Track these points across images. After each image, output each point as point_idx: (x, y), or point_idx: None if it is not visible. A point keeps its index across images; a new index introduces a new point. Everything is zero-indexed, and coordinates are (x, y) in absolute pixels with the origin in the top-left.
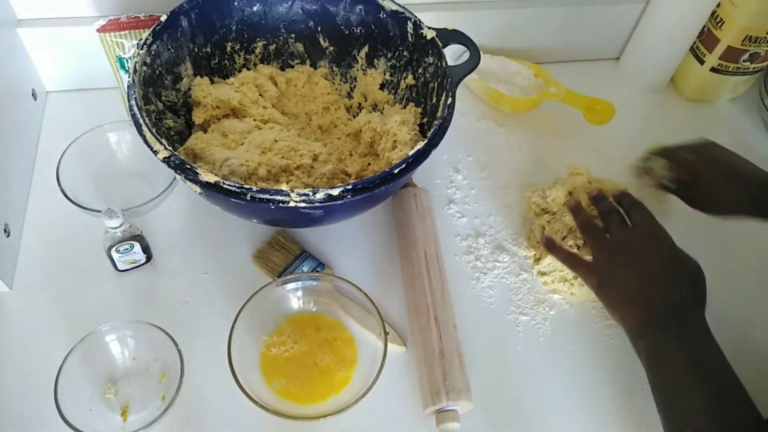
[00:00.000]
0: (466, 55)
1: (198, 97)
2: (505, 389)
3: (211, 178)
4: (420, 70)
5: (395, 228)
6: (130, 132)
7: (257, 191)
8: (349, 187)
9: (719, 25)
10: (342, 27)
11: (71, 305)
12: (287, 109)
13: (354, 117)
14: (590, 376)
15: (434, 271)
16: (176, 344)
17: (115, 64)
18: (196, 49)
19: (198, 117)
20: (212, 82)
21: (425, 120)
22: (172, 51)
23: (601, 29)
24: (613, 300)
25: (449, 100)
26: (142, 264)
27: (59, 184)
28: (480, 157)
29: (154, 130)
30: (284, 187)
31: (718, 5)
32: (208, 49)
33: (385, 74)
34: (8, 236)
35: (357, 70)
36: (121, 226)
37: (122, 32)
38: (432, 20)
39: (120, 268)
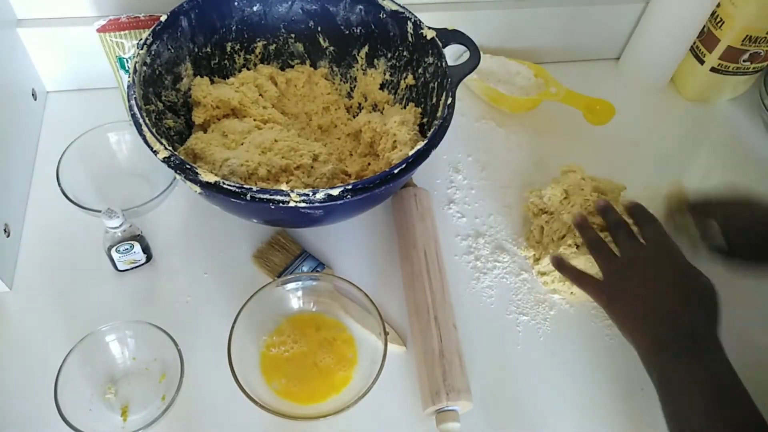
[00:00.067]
0: (466, 55)
1: (198, 97)
2: (505, 389)
3: (211, 178)
4: (420, 70)
5: (395, 228)
6: (130, 132)
7: (257, 191)
8: (349, 187)
9: (719, 25)
10: (342, 27)
11: (71, 305)
12: (287, 109)
13: (354, 117)
14: (590, 376)
15: (434, 271)
16: (176, 344)
17: (115, 64)
18: (196, 49)
19: (198, 117)
20: (212, 82)
21: (425, 120)
22: (172, 51)
23: (601, 29)
24: (623, 319)
25: (449, 100)
26: (142, 264)
27: (59, 184)
28: (480, 157)
29: (154, 130)
30: (284, 187)
31: (718, 5)
32: (208, 49)
33: (385, 74)
34: (8, 236)
35: (357, 70)
36: (121, 226)
37: (122, 32)
38: (432, 20)
39: (120, 268)
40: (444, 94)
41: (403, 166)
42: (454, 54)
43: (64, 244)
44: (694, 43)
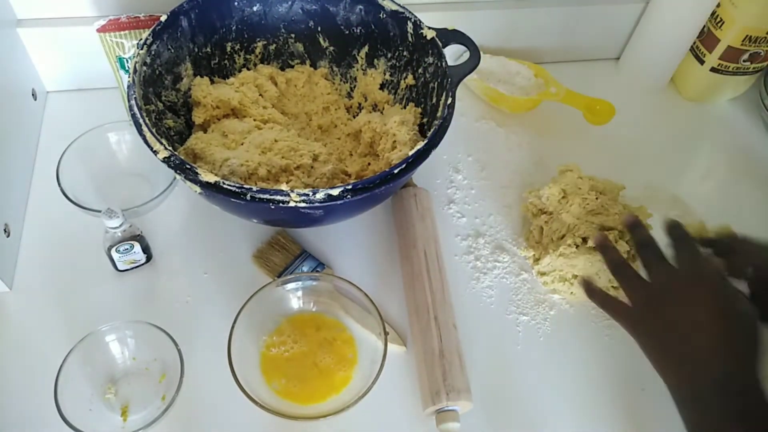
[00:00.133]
0: (466, 55)
1: (198, 97)
2: (505, 389)
3: (211, 178)
4: (420, 70)
5: (395, 228)
6: (130, 132)
7: (257, 191)
8: (349, 187)
9: (719, 25)
10: (342, 27)
11: (71, 305)
12: (287, 109)
13: (354, 117)
14: (590, 376)
15: (434, 271)
16: (176, 344)
17: (115, 64)
18: (196, 49)
19: (198, 117)
20: (212, 82)
21: (425, 120)
22: (172, 51)
23: (601, 29)
24: (653, 353)
25: (449, 100)
26: (142, 264)
27: (59, 184)
28: (480, 157)
29: (154, 130)
30: (284, 187)
31: (718, 5)
32: (208, 49)
33: (385, 74)
34: (8, 236)
35: (357, 70)
36: (121, 226)
37: (122, 32)
38: (432, 20)
39: (120, 268)
40: (444, 94)
41: (403, 166)
42: (454, 54)
43: (64, 244)
44: (694, 43)
